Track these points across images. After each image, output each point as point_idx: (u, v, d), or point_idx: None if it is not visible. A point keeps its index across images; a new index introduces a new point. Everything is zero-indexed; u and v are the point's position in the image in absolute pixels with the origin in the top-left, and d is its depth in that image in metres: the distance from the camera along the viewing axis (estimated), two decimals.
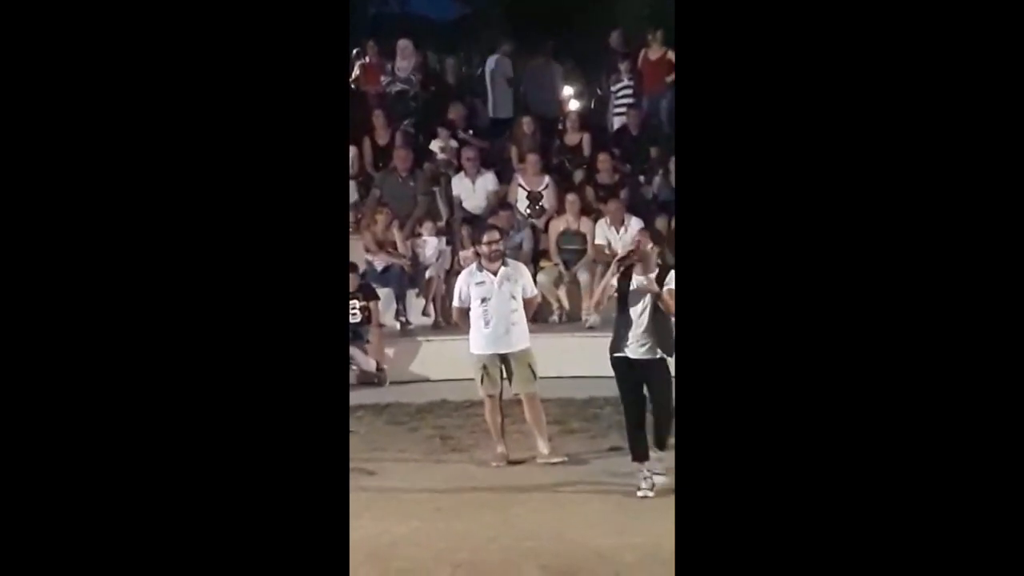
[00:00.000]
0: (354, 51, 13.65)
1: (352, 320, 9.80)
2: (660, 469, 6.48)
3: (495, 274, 7.44)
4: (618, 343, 6.63)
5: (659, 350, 6.50)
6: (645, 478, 6.49)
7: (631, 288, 6.59)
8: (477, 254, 7.78)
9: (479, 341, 7.45)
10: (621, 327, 6.62)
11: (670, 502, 6.27)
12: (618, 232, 10.68)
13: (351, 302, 9.81)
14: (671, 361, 6.41)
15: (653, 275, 6.52)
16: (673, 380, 6.27)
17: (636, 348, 6.56)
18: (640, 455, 6.58)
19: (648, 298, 6.52)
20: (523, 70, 13.31)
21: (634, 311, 6.57)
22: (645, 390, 6.60)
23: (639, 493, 6.46)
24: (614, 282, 6.66)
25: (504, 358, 7.39)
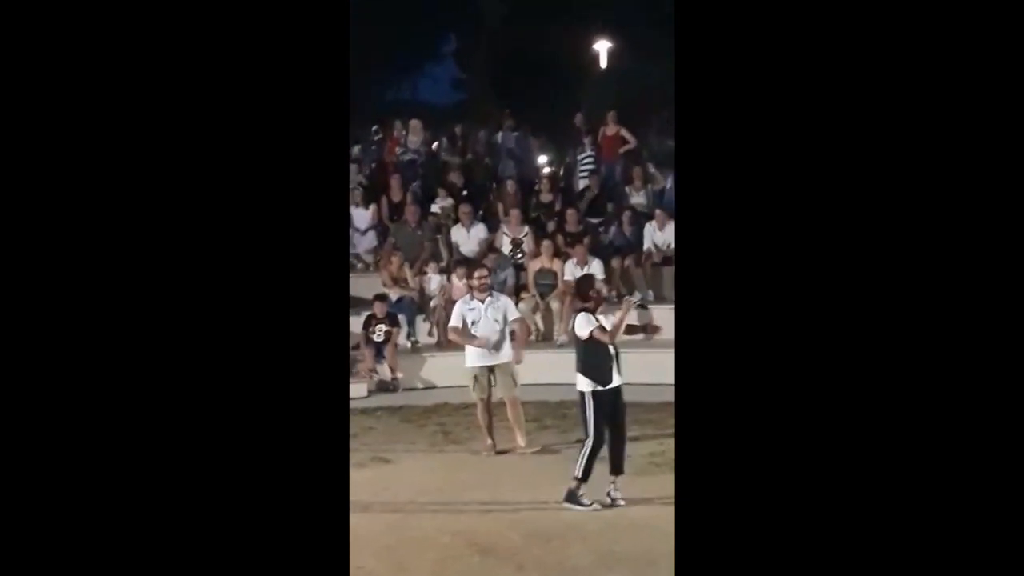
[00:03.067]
0: (373, 128, 13.76)
1: (377, 339, 9.93)
2: (620, 496, 5.95)
3: (482, 302, 7.52)
4: (605, 376, 5.95)
5: (621, 378, 6.06)
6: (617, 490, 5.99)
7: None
8: (469, 286, 7.85)
9: (470, 356, 7.51)
10: (605, 362, 5.96)
11: (636, 484, 6.32)
12: (582, 269, 10.75)
13: (380, 325, 9.91)
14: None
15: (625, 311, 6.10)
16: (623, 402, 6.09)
17: (618, 378, 6.02)
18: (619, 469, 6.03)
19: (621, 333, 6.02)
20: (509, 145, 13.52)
21: (614, 346, 6.00)
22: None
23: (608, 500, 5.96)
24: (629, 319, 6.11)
25: (491, 369, 7.42)
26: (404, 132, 13.11)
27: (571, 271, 10.76)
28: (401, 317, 10.39)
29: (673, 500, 5.71)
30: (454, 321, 7.65)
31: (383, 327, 9.95)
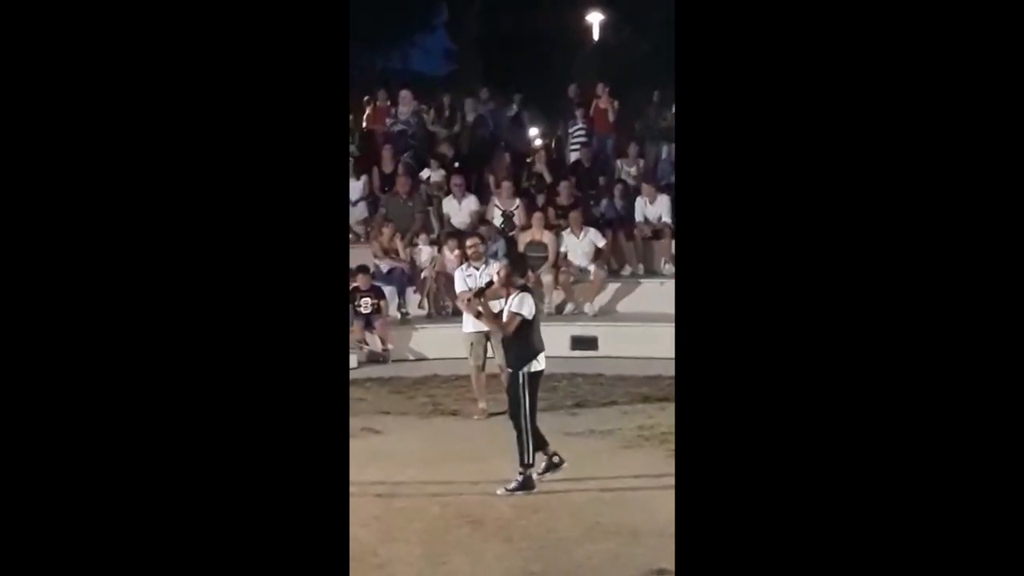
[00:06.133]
0: (365, 98, 13.62)
1: (365, 311, 9.87)
2: (513, 485, 5.66)
3: (478, 269, 7.61)
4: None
5: (503, 364, 5.77)
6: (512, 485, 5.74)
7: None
8: (465, 255, 7.95)
9: (468, 323, 7.54)
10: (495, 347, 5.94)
11: (624, 457, 6.37)
12: (578, 238, 10.76)
13: (365, 299, 9.85)
14: (523, 373, 5.78)
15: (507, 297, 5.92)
16: (525, 393, 5.73)
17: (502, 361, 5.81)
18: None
19: None
20: (500, 117, 13.41)
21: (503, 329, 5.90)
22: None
23: (499, 491, 5.69)
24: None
25: (487, 335, 7.38)
26: (388, 103, 13.00)
27: (566, 241, 10.77)
28: (392, 289, 10.36)
29: (659, 474, 5.69)
30: (460, 287, 7.68)
31: (368, 300, 9.89)
